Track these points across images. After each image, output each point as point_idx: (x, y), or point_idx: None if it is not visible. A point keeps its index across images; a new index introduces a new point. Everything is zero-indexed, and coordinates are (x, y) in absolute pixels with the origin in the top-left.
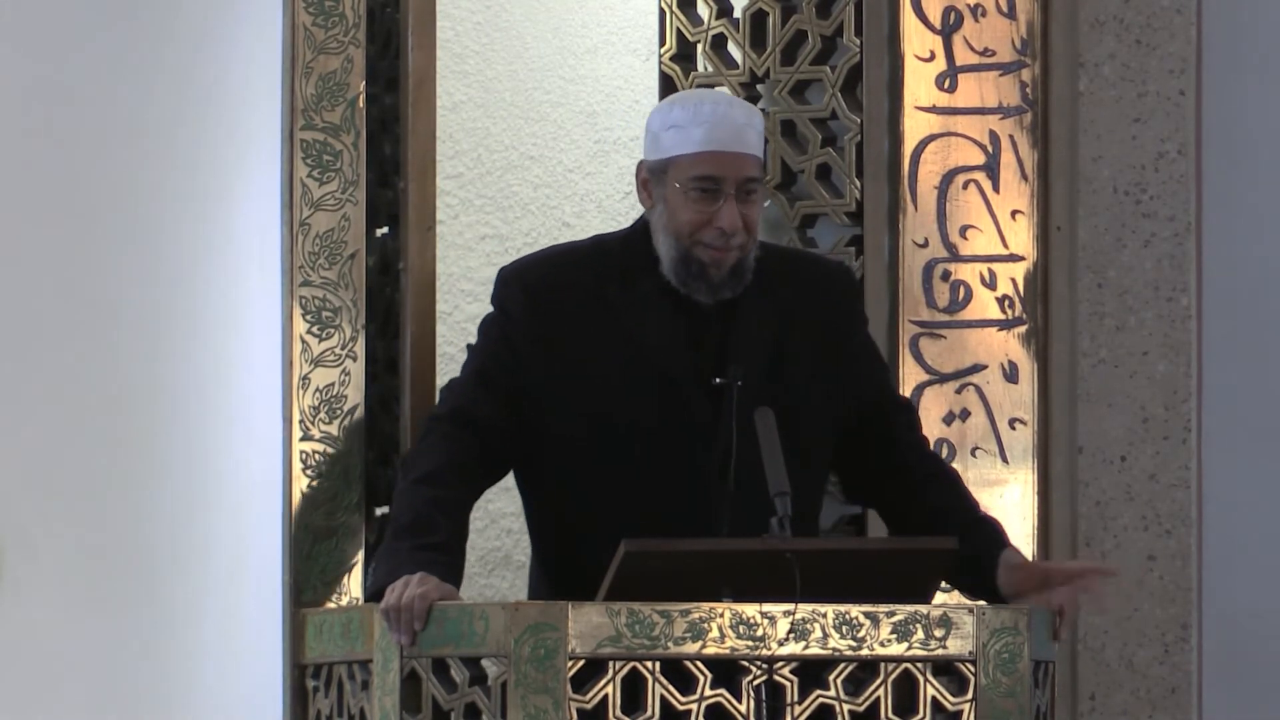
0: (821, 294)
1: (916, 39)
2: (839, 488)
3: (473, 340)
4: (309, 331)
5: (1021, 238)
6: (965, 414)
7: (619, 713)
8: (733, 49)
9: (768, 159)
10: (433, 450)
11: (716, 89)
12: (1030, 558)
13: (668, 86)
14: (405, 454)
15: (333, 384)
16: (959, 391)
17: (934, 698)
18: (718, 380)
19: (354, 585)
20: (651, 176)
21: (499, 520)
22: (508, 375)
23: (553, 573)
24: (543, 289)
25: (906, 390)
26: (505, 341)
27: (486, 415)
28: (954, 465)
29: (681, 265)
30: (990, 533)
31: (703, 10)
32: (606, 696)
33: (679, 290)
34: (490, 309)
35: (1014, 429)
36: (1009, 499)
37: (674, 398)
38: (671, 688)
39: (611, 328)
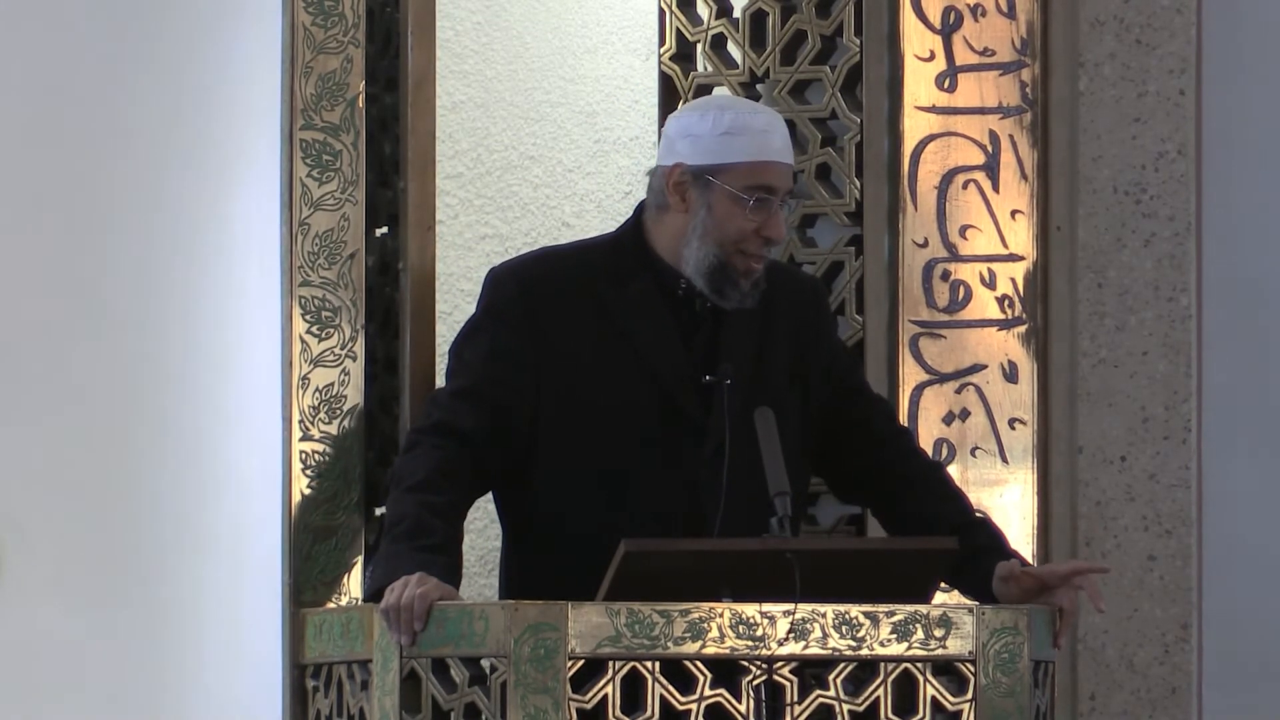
0: (797, 300)
1: (916, 39)
2: (831, 490)
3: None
4: (308, 331)
5: (1021, 238)
6: (965, 414)
7: (619, 713)
8: (732, 49)
9: None
10: (421, 460)
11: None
12: (1030, 558)
13: (667, 86)
14: (393, 466)
15: (332, 384)
16: (959, 391)
17: (934, 698)
18: (708, 378)
19: (354, 585)
20: (693, 180)
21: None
22: (493, 388)
23: (537, 571)
24: (536, 286)
25: (906, 390)
26: (492, 353)
27: (471, 428)
28: (954, 465)
29: (718, 272)
30: (984, 538)
31: (702, 10)
32: (606, 696)
33: (675, 291)
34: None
35: (1014, 429)
36: (1009, 499)
37: (666, 395)
38: (671, 688)
39: (604, 325)
